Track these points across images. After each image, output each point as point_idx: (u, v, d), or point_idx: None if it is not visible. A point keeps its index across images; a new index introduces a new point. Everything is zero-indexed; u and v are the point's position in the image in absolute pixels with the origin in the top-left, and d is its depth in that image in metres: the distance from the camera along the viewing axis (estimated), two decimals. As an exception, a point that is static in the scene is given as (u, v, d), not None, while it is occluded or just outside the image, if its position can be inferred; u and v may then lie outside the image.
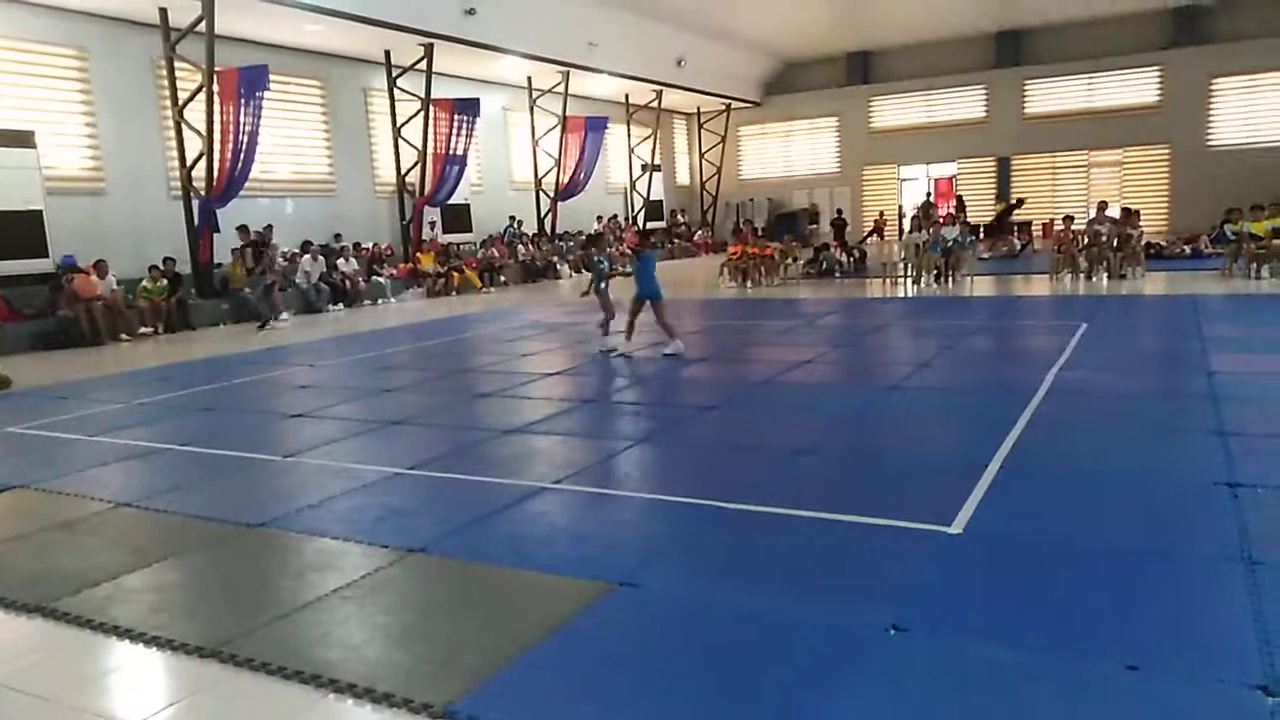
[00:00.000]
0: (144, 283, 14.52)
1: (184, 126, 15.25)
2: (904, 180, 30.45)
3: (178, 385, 9.17)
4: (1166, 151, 26.24)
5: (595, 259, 10.75)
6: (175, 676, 3.15)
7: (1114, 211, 16.49)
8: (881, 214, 28.35)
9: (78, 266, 13.85)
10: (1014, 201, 24.26)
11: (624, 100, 27.08)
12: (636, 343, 9.63)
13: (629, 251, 10.41)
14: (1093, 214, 16.39)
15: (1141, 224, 15.86)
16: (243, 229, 15.32)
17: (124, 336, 13.69)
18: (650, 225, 27.54)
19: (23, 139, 13.46)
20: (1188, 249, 18.12)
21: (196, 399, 8.41)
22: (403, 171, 19.74)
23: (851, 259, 19.70)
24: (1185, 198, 25.18)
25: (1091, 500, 4.35)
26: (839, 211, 27.21)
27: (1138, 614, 3.14)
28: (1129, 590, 3.32)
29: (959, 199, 26.40)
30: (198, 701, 2.97)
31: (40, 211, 13.57)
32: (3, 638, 3.53)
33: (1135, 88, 26.45)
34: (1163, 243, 18.62)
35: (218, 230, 15.49)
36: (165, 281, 14.68)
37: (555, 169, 23.91)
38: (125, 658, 3.29)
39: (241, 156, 15.28)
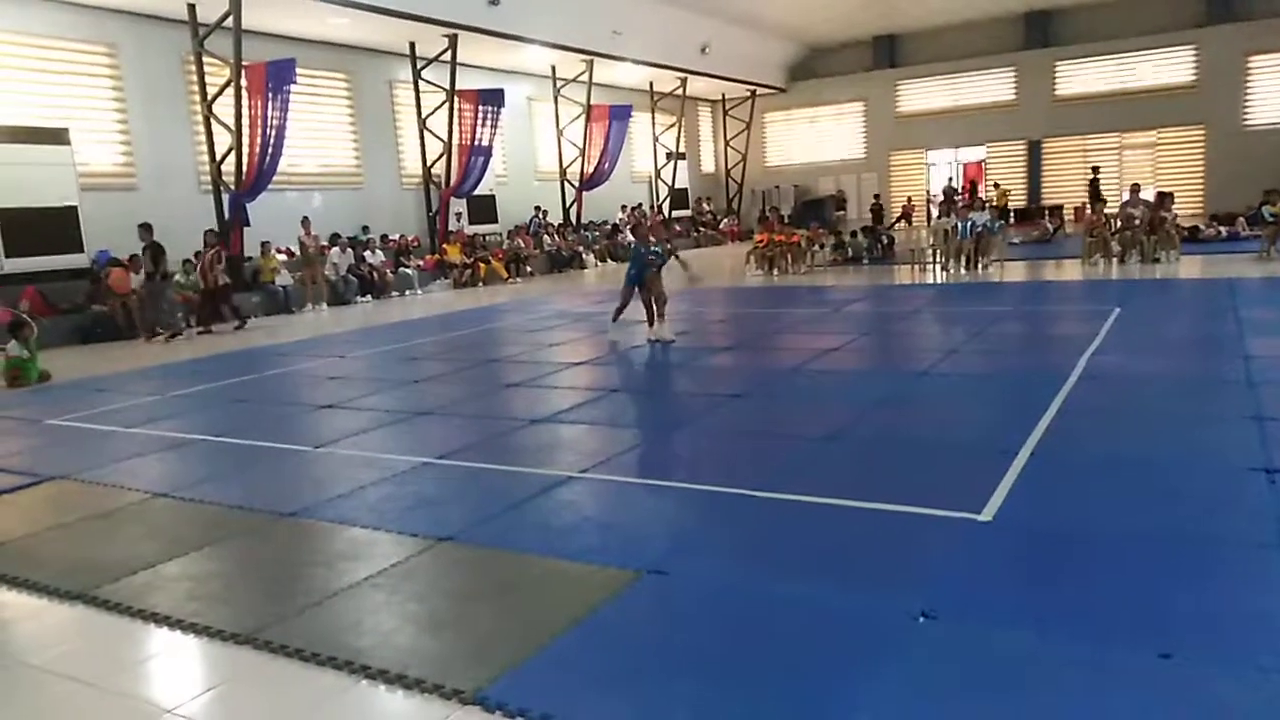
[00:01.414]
0: (177, 277, 14.71)
1: (213, 121, 15.42)
2: (931, 165, 30.09)
3: (211, 378, 9.30)
4: (1202, 132, 25.68)
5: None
6: (211, 662, 3.21)
7: (1148, 194, 16.20)
8: (909, 200, 28.07)
9: (117, 260, 14.06)
10: (1094, 174, 23.84)
11: (648, 88, 26.98)
12: (667, 330, 9.61)
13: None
14: (1126, 197, 16.10)
15: (1175, 207, 15.57)
16: (144, 227, 13.10)
17: (158, 330, 13.88)
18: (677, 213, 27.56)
19: (57, 136, 13.68)
20: (1223, 231, 17.74)
21: (229, 391, 8.53)
22: (428, 163, 19.85)
23: (880, 245, 19.53)
24: (1222, 179, 24.63)
25: (1124, 487, 4.29)
26: (875, 197, 27.00)
27: (1171, 601, 3.09)
28: (1162, 577, 3.28)
29: (972, 186, 26.05)
30: (233, 687, 3.02)
31: (75, 207, 13.79)
32: (45, 624, 3.62)
33: (1169, 67, 25.90)
34: (1199, 225, 18.24)
35: (248, 224, 15.65)
36: (197, 275, 14.86)
37: (580, 158, 23.90)
38: (163, 644, 3.36)
39: (269, 150, 15.44)
